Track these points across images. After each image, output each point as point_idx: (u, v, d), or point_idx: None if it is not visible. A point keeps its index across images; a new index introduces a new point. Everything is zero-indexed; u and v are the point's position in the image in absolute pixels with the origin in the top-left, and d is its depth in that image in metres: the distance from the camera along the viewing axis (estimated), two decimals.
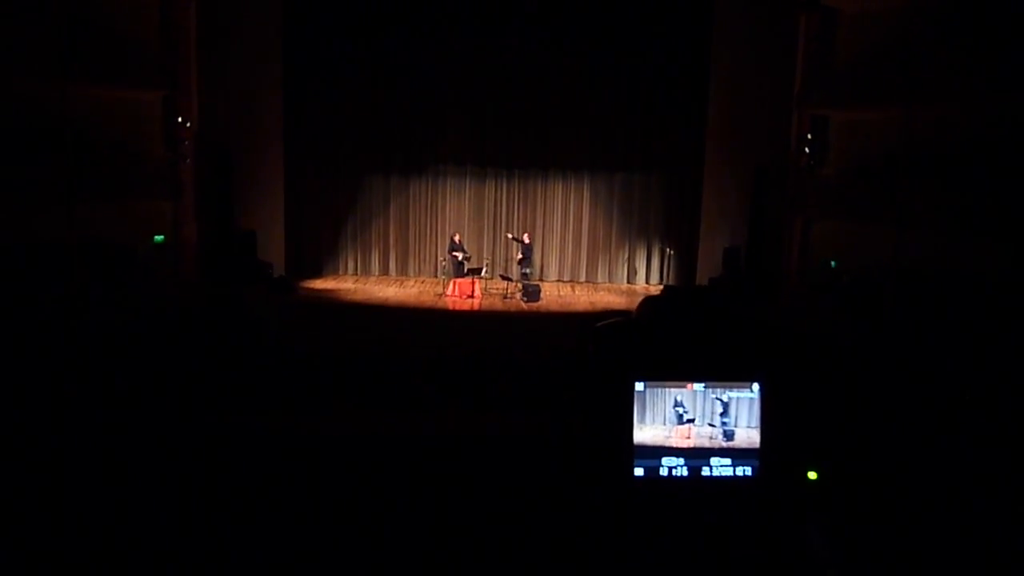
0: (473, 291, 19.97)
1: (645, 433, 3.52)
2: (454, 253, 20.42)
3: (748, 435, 3.56)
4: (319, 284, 21.07)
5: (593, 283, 22.26)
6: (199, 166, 19.88)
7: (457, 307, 19.50)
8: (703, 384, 3.54)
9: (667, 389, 3.52)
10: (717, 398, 3.54)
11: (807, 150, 20.11)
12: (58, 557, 2.73)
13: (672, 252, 22.04)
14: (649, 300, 3.75)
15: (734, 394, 3.55)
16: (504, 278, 20.59)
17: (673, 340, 3.49)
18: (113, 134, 18.64)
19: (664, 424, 3.53)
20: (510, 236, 21.31)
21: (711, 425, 3.55)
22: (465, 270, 20.20)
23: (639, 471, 3.52)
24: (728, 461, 3.56)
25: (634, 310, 3.74)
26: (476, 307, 19.51)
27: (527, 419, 3.97)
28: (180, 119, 19.50)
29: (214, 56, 19.76)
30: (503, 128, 21.63)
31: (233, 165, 20.18)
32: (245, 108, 20.16)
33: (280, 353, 13.84)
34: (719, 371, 3.56)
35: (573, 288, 21.64)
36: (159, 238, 19.62)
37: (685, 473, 3.55)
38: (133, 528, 2.83)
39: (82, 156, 17.49)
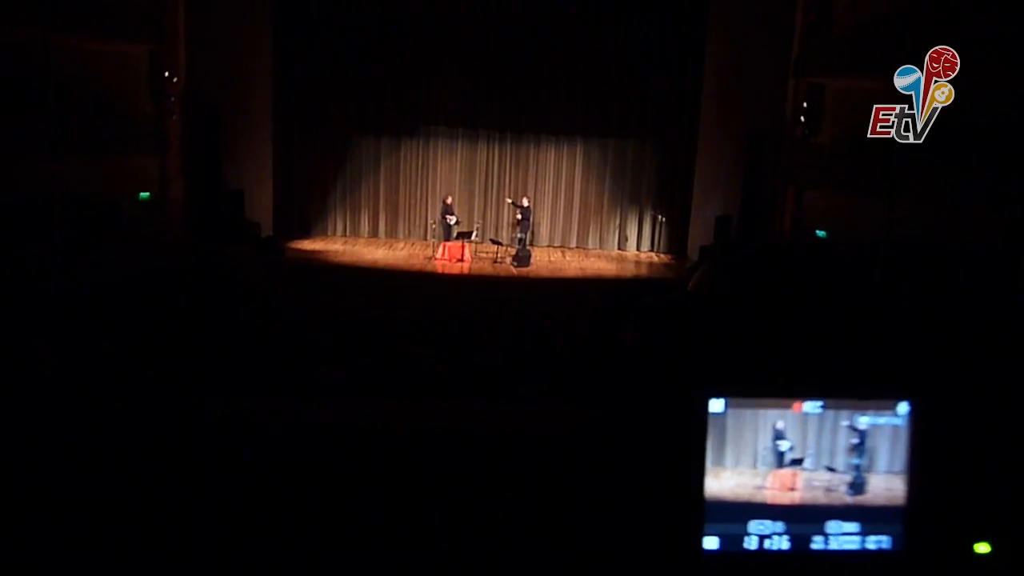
0: (463, 255, 18.50)
1: (724, 481, 2.00)
2: (447, 216, 18.89)
3: (887, 485, 2.04)
4: (307, 245, 19.45)
5: (584, 249, 20.68)
6: (186, 122, 18.25)
7: (447, 271, 18.02)
8: (820, 402, 2.01)
9: (761, 411, 2.00)
10: (849, 426, 2.02)
11: (802, 118, 18.65)
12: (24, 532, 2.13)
13: (664, 219, 20.49)
14: (719, 264, 2.20)
15: (869, 419, 2.02)
16: (494, 242, 19.13)
17: (769, 329, 1.95)
18: (97, 88, 17.00)
19: (754, 467, 2.01)
20: (509, 201, 19.68)
21: (830, 469, 2.03)
22: (455, 234, 18.73)
23: (712, 542, 2.00)
24: (855, 527, 2.04)
25: (693, 279, 2.20)
26: (466, 271, 18.09)
27: (537, 416, 2.44)
28: (167, 74, 17.83)
29: (202, 9, 18.02)
30: (496, 91, 19.89)
31: (221, 122, 18.47)
32: (234, 64, 18.37)
33: (269, 316, 12.58)
34: (846, 380, 2.03)
35: (563, 254, 20.08)
36: (144, 195, 18.02)
37: (786, 546, 2.03)
38: (105, 509, 2.17)
39: (65, 110, 15.91)
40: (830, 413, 2.01)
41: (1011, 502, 2.10)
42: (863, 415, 2.02)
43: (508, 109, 20.05)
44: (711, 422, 1.97)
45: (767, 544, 2.02)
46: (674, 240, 20.31)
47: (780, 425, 2.00)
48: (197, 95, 18.25)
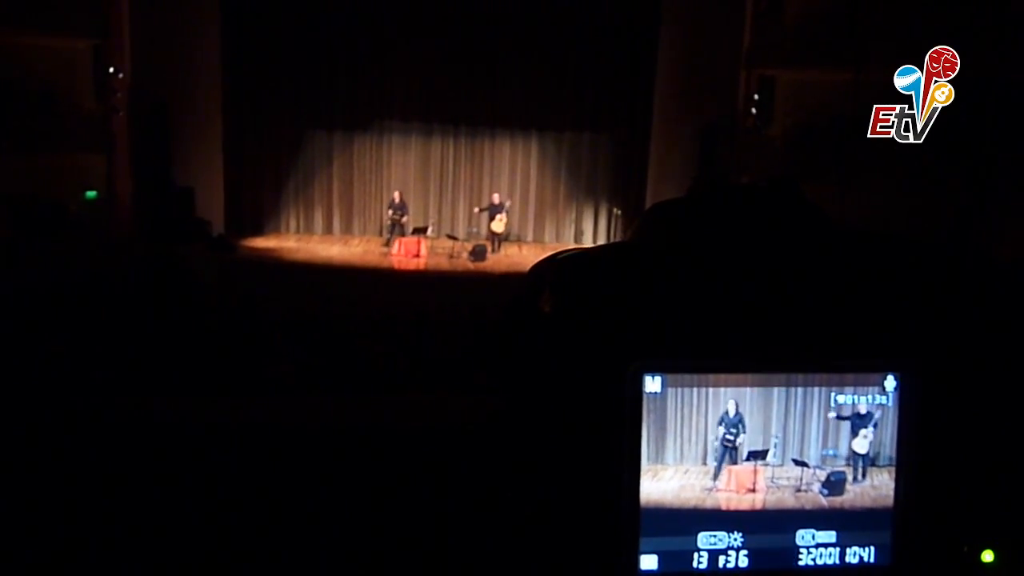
0: (419, 251, 18.03)
1: (665, 482, 1.51)
2: (395, 212, 18.44)
3: (873, 483, 1.57)
4: (260, 243, 18.72)
5: (540, 243, 20.20)
6: (133, 119, 17.40)
7: (403, 267, 17.57)
8: (783, 378, 1.53)
9: (709, 389, 1.52)
10: (822, 407, 1.54)
11: (753, 110, 18.42)
12: None
13: (619, 213, 20.11)
14: (664, 208, 1.73)
15: (849, 398, 1.55)
16: (450, 237, 18.66)
17: (720, 285, 1.47)
18: (39, 85, 16.24)
19: (702, 462, 1.53)
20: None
21: (799, 463, 1.56)
22: (409, 230, 18.28)
23: (649, 562, 1.51)
24: (832, 536, 1.57)
25: (631, 229, 1.73)
26: (422, 267, 17.62)
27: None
28: (112, 69, 17.03)
29: (147, 3, 17.23)
30: (449, 85, 19.26)
31: (169, 118, 17.71)
32: (181, 58, 17.58)
33: (220, 315, 11.98)
34: (818, 348, 1.55)
35: (520, 248, 19.57)
36: (91, 194, 17.23)
37: (745, 564, 1.55)
38: (40, 517, 1.83)
39: (5, 107, 15.23)
40: (798, 391, 1.53)
41: (1022, 500, 1.63)
42: (840, 393, 1.54)
43: (462, 103, 19.45)
44: (647, 406, 1.48)
45: (721, 562, 1.53)
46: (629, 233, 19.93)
47: (733, 408, 1.52)
48: (144, 91, 17.43)
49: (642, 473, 1.49)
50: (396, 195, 18.80)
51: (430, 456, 1.86)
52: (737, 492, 1.53)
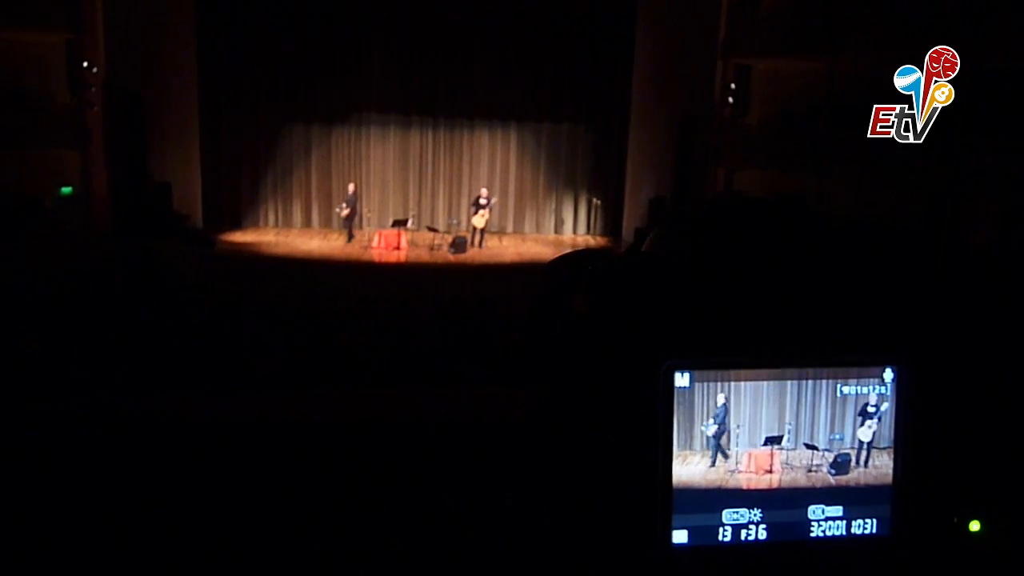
0: (399, 243, 18.16)
1: (692, 466, 1.73)
2: (342, 207, 18.59)
3: (875, 463, 1.79)
4: (239, 237, 18.72)
5: (520, 234, 20.41)
6: (108, 114, 17.34)
7: (383, 259, 17.67)
8: (796, 371, 1.75)
9: (731, 383, 1.73)
10: (830, 397, 1.76)
11: (730, 99, 18.68)
12: None
13: (599, 203, 20.34)
14: (678, 220, 1.91)
15: (852, 388, 1.77)
16: (431, 229, 18.81)
17: (737, 290, 1.68)
18: (12, 80, 16.15)
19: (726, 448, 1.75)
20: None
21: (810, 447, 1.77)
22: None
23: (680, 536, 1.73)
24: (839, 510, 1.79)
25: (648, 239, 1.93)
26: (402, 259, 17.74)
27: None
28: (86, 64, 16.92)
29: None
30: (428, 76, 19.39)
31: (145, 112, 17.66)
32: (156, 51, 17.53)
33: (201, 310, 12.01)
34: (826, 346, 1.78)
35: (500, 239, 19.75)
36: (66, 190, 17.15)
37: (764, 536, 1.77)
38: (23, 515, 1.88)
39: None
40: (808, 383, 1.75)
41: (1004, 476, 1.87)
42: (845, 384, 1.76)
43: (440, 94, 19.56)
44: (677, 399, 1.69)
45: (743, 535, 1.75)
46: (609, 223, 20.18)
47: (721, 400, 1.73)
48: (119, 85, 17.36)
49: (673, 458, 1.70)
50: (351, 187, 18.86)
51: (456, 448, 2.03)
52: (756, 473, 1.75)
